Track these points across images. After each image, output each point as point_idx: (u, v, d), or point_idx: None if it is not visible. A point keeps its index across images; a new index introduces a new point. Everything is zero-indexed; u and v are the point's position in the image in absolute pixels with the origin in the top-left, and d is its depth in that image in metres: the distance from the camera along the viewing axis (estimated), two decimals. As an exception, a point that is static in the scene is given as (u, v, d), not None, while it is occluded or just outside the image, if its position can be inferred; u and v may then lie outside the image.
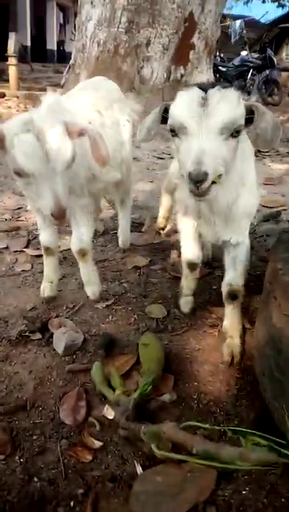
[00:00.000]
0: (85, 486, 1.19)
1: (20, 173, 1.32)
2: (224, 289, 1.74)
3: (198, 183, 1.16)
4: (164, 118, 1.38)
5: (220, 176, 1.24)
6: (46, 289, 2.07)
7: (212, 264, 2.41)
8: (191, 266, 1.88)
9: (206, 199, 1.28)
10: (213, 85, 1.25)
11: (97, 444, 1.30)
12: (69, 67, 8.27)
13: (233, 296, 1.73)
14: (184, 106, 1.24)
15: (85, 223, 1.83)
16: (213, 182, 1.22)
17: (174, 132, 1.28)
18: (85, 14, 5.49)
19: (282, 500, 1.18)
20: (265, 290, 1.44)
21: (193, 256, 1.84)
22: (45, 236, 2.00)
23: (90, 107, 1.96)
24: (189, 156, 1.18)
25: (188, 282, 1.94)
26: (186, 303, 1.96)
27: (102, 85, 2.25)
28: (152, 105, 1.57)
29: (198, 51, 5.60)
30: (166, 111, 1.35)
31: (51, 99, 1.57)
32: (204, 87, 1.24)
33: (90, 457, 1.26)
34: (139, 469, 1.23)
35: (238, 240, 1.67)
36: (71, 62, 6.51)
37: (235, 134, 1.24)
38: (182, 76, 5.55)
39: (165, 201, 2.65)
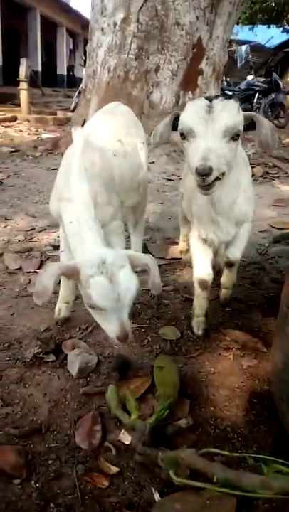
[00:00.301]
0: (102, 512, 1.17)
1: (93, 307, 1.43)
2: (222, 259, 2.00)
3: (205, 175, 1.36)
4: (174, 125, 1.59)
5: (223, 173, 1.44)
6: (62, 310, 2.09)
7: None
8: (203, 284, 1.93)
9: (211, 192, 1.48)
10: (216, 96, 1.47)
11: (114, 469, 1.29)
12: (79, 92, 8.46)
13: (230, 265, 2.00)
14: (192, 113, 1.44)
15: (119, 244, 1.92)
16: (217, 178, 1.42)
17: (183, 136, 1.48)
18: (95, 41, 5.64)
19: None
20: (282, 313, 1.44)
21: (204, 273, 1.93)
22: (67, 258, 2.00)
23: (112, 137, 2.07)
24: (197, 154, 1.38)
25: (200, 302, 1.98)
26: (198, 323, 1.97)
27: (117, 111, 2.32)
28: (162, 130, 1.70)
29: (206, 76, 5.71)
30: (176, 118, 1.55)
31: (81, 139, 1.74)
32: (210, 98, 1.45)
33: (106, 483, 1.25)
34: (156, 496, 1.21)
35: (243, 222, 1.89)
36: (81, 87, 6.66)
37: (235, 137, 1.44)
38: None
39: (183, 228, 2.79)
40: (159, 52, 5.31)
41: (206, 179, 1.37)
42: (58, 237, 3.17)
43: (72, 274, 1.45)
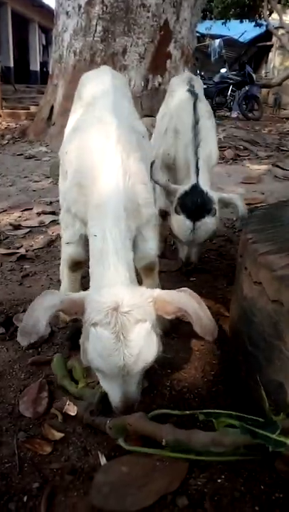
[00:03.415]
0: (41, 479, 1.06)
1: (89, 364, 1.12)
2: None
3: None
4: None
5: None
6: None
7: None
8: None
9: None
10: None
11: (58, 435, 1.18)
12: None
13: None
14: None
15: (151, 237, 1.51)
16: None
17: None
18: (61, 25, 5.50)
19: (262, 487, 1.06)
20: (238, 265, 1.36)
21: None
22: (75, 249, 1.60)
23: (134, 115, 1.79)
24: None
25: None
26: None
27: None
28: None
29: (175, 60, 5.63)
30: None
31: (112, 114, 1.42)
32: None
33: (49, 449, 1.14)
34: (103, 460, 1.11)
35: None
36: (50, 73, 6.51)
37: None
38: (160, 85, 5.56)
39: None
40: (126, 34, 5.19)
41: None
42: (20, 217, 3.07)
43: (76, 311, 1.09)
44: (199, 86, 2.27)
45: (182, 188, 1.86)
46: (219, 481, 1.07)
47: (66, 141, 1.69)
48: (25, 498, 1.01)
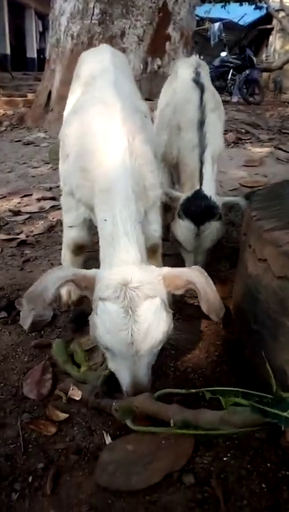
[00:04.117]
0: (46, 460, 1.06)
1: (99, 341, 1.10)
2: None
3: None
4: None
5: None
6: (73, 291, 1.71)
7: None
8: None
9: None
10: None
11: (63, 416, 1.18)
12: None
13: None
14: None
15: (155, 219, 1.52)
16: None
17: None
18: (58, 9, 5.39)
19: (268, 465, 1.06)
20: (241, 244, 1.34)
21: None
22: (78, 232, 1.60)
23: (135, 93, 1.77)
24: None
25: None
26: None
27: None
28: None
29: (175, 42, 5.53)
30: None
31: (114, 91, 1.39)
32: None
33: (53, 430, 1.14)
34: (108, 440, 1.11)
35: None
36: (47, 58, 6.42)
37: None
38: (159, 67, 5.48)
39: None
40: (124, 16, 5.10)
41: None
42: (19, 203, 3.04)
43: (86, 286, 1.09)
44: (206, 73, 2.09)
45: (185, 194, 1.76)
46: (225, 459, 1.07)
47: (66, 123, 1.64)
48: (30, 479, 1.01)
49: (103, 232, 1.20)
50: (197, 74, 2.00)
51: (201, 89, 1.91)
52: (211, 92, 1.96)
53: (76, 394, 1.24)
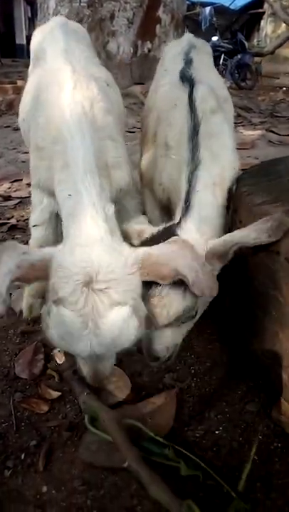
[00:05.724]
0: (38, 437, 1.06)
1: None
2: None
3: None
4: None
5: None
6: (34, 307, 1.52)
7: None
8: None
9: None
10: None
11: (55, 394, 1.18)
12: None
13: None
14: None
15: (134, 207, 1.38)
16: None
17: None
18: (46, -8, 5.31)
19: (260, 437, 1.07)
20: (232, 221, 1.33)
21: None
22: (43, 232, 1.43)
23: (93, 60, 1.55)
24: None
25: None
26: None
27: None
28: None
29: (165, 25, 5.46)
30: None
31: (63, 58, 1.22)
32: None
33: (46, 408, 1.14)
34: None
35: None
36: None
37: None
38: (150, 51, 5.41)
39: None
40: (113, -1, 5.03)
41: None
42: (9, 188, 3.01)
43: (38, 276, 0.87)
44: (202, 57, 1.54)
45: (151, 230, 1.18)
46: (217, 432, 1.07)
47: (21, 107, 1.52)
48: (22, 456, 1.01)
49: (66, 208, 1.02)
50: (187, 62, 1.43)
51: (190, 84, 1.31)
52: (207, 86, 1.33)
53: (59, 357, 1.27)
